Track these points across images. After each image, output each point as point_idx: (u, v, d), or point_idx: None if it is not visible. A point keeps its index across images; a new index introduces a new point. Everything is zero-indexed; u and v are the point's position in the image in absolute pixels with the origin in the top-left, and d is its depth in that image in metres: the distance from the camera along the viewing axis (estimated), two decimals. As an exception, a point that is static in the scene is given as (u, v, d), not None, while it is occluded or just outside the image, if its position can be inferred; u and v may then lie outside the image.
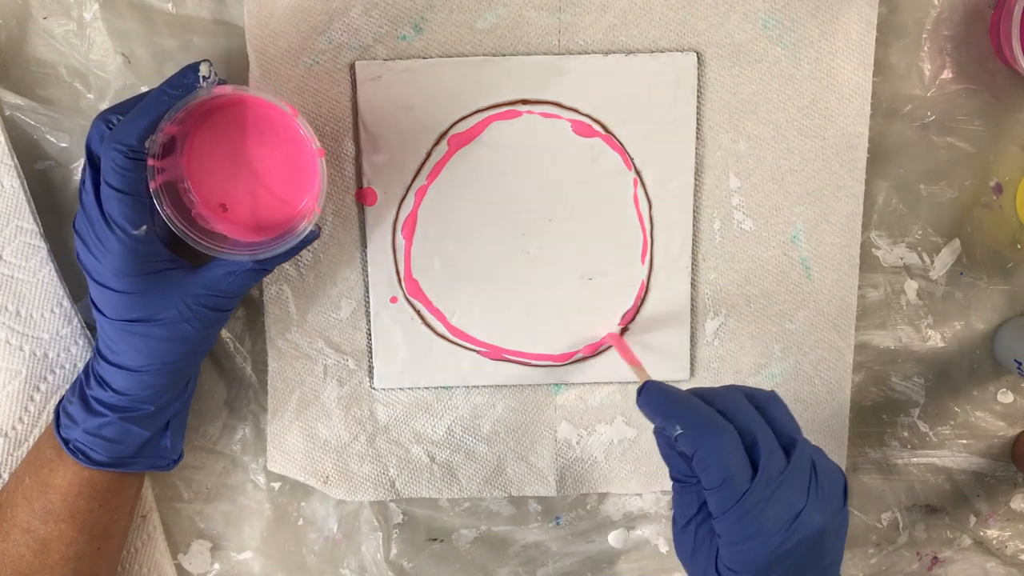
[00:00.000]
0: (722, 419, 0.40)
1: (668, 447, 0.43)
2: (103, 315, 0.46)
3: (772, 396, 0.43)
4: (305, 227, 0.46)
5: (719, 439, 0.39)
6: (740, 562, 0.40)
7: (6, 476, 0.52)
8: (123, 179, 0.43)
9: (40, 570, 0.48)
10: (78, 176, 0.54)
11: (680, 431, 0.40)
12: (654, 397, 0.43)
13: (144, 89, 0.52)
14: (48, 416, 0.53)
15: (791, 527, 0.39)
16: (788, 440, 0.41)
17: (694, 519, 0.43)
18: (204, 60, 0.44)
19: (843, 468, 0.57)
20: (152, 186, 0.43)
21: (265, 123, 0.47)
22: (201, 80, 0.43)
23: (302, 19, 0.51)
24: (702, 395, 0.43)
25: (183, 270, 0.46)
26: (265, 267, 0.47)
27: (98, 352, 0.48)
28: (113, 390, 0.47)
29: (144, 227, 0.44)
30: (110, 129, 0.44)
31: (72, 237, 0.54)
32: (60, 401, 0.50)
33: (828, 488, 0.41)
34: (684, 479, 0.44)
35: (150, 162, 0.43)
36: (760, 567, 0.40)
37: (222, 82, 0.45)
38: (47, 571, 0.48)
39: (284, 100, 0.45)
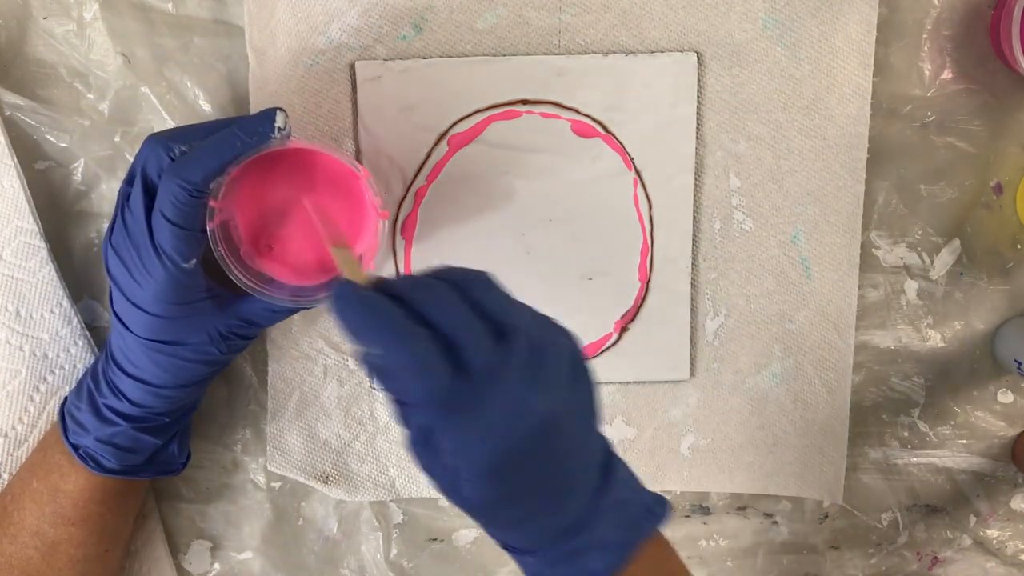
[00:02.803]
0: (410, 324, 0.35)
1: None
2: (129, 331, 0.45)
3: (479, 279, 0.38)
4: None
5: (406, 349, 0.35)
6: (469, 469, 0.36)
7: (6, 476, 0.52)
8: (182, 215, 0.42)
9: (47, 572, 0.48)
10: (78, 176, 0.54)
11: (370, 352, 0.36)
12: (346, 307, 0.37)
13: (144, 90, 0.52)
14: (48, 416, 0.53)
15: (513, 422, 0.35)
16: (500, 327, 0.36)
17: (419, 437, 0.37)
18: (279, 109, 0.43)
19: (843, 469, 0.57)
20: (210, 227, 0.43)
21: (328, 174, 0.47)
22: (276, 131, 0.43)
23: (302, 19, 0.51)
24: (396, 291, 0.37)
25: (219, 299, 0.46)
26: (302, 308, 0.47)
27: (114, 361, 0.47)
28: (129, 401, 0.47)
29: (194, 260, 0.44)
30: (171, 158, 0.43)
31: (71, 236, 0.54)
32: (63, 404, 0.49)
33: (552, 368, 0.36)
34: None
35: (212, 203, 0.43)
36: (490, 469, 0.36)
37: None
38: (55, 573, 0.48)
39: (356, 161, 0.45)
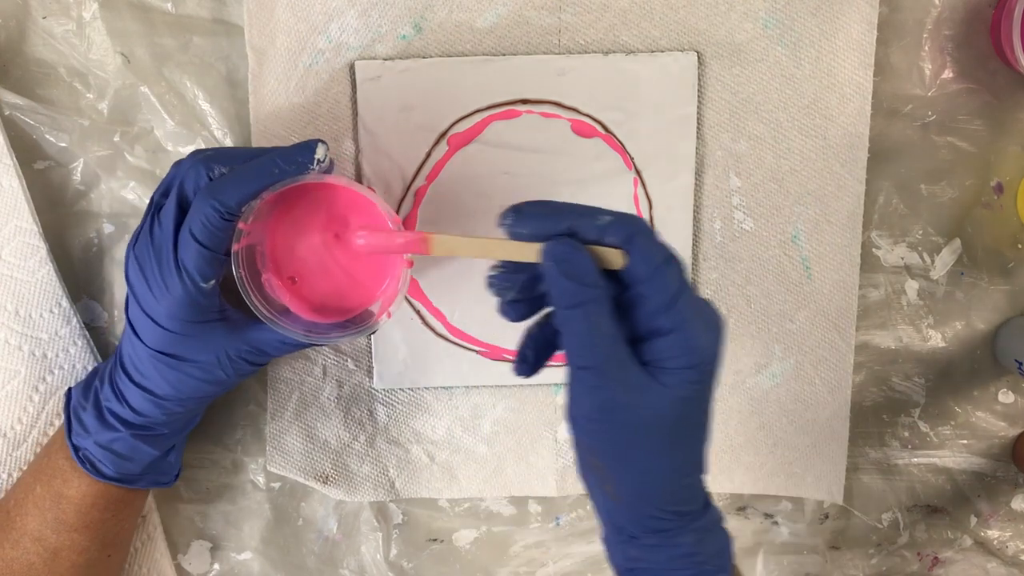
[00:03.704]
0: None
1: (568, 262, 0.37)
2: (139, 340, 0.45)
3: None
4: (370, 327, 0.46)
5: (643, 221, 0.37)
6: (701, 350, 0.37)
7: (5, 476, 0.52)
8: (211, 236, 0.42)
9: None
10: (77, 176, 0.53)
11: (609, 219, 0.37)
12: (544, 205, 0.38)
13: (144, 90, 0.52)
14: (47, 416, 0.53)
15: (715, 309, 0.39)
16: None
17: (619, 348, 0.37)
18: (321, 142, 0.44)
19: (843, 469, 0.57)
20: (235, 248, 0.43)
21: (358, 213, 0.47)
22: (315, 163, 0.43)
23: (302, 19, 0.51)
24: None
25: (234, 323, 0.46)
26: (315, 344, 0.47)
27: (122, 367, 0.47)
28: (132, 408, 0.47)
29: (213, 281, 0.44)
30: (209, 178, 0.43)
31: (71, 235, 0.54)
32: (69, 402, 0.49)
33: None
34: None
35: (240, 226, 0.43)
36: (715, 354, 0.38)
37: (331, 162, 0.45)
38: None
39: (391, 209, 0.45)
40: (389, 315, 0.45)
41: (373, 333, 0.48)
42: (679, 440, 0.38)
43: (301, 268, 0.47)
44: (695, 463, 0.39)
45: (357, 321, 0.47)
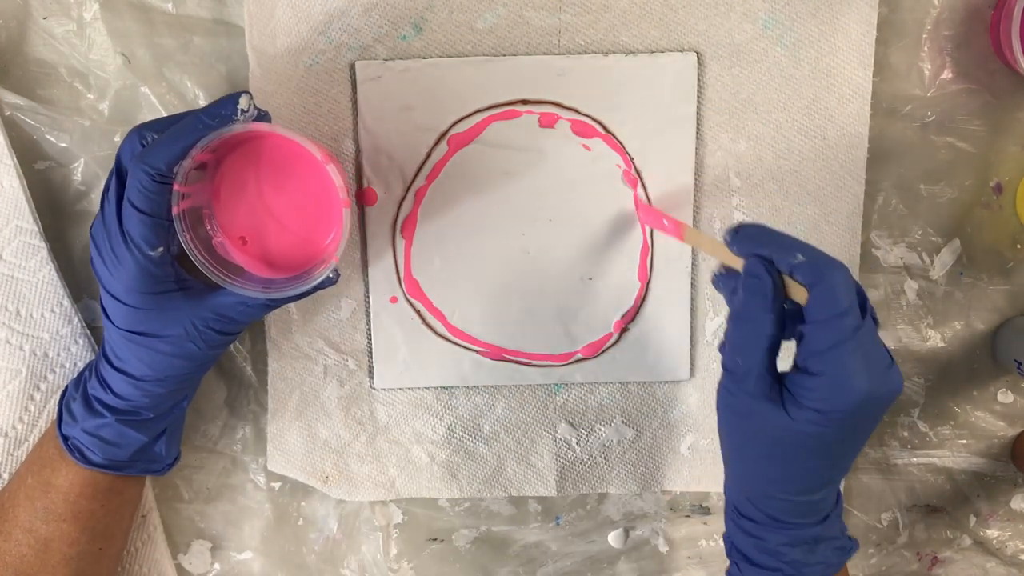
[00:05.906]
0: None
1: (752, 283, 0.40)
2: (111, 322, 0.46)
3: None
4: (321, 273, 0.45)
5: (841, 269, 0.39)
6: (835, 401, 0.38)
7: (6, 476, 0.53)
8: (147, 201, 0.43)
9: (41, 570, 0.48)
10: (78, 176, 0.54)
11: (802, 258, 0.39)
12: (758, 230, 0.42)
13: (144, 90, 0.53)
14: (48, 416, 0.53)
15: (886, 375, 0.39)
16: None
17: (759, 366, 0.40)
18: (245, 92, 0.44)
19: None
20: (175, 211, 0.43)
21: (296, 162, 0.47)
22: (239, 113, 0.43)
23: (302, 19, 0.51)
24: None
25: (194, 292, 0.46)
26: (277, 304, 0.48)
27: (103, 354, 0.48)
28: (114, 393, 0.47)
29: (160, 249, 0.44)
30: (143, 146, 0.44)
31: (71, 235, 0.54)
32: (63, 395, 0.50)
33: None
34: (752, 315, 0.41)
35: (176, 187, 0.43)
36: (849, 410, 0.38)
37: (261, 114, 0.45)
38: (48, 571, 0.48)
39: (319, 145, 0.45)
40: (336, 259, 0.45)
41: (333, 284, 0.48)
42: (788, 463, 0.42)
43: (248, 227, 0.47)
44: (802, 487, 0.42)
45: (313, 273, 0.46)
